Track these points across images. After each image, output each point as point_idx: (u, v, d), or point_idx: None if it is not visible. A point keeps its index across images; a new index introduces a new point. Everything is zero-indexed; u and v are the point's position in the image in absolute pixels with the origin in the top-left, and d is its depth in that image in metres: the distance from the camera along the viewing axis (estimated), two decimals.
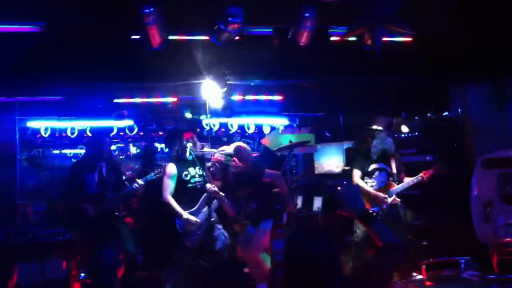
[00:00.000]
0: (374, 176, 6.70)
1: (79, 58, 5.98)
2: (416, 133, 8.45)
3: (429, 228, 7.65)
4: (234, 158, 6.50)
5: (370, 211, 6.10)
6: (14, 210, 7.60)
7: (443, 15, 5.76)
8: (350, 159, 8.73)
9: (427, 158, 7.99)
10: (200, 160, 6.50)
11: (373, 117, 7.43)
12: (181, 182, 6.24)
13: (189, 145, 6.31)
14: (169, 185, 6.21)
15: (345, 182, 7.03)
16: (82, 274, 6.68)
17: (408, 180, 6.73)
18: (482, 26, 6.01)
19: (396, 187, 6.61)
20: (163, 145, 10.52)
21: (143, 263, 7.64)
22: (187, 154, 6.29)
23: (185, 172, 6.28)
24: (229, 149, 6.72)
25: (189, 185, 6.27)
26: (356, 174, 6.74)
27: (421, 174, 6.67)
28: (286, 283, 2.53)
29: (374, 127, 6.83)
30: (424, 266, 6.48)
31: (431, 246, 7.27)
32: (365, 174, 6.74)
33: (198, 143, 6.71)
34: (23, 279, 6.04)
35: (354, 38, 5.89)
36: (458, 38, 6.20)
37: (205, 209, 6.17)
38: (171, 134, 6.78)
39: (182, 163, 6.32)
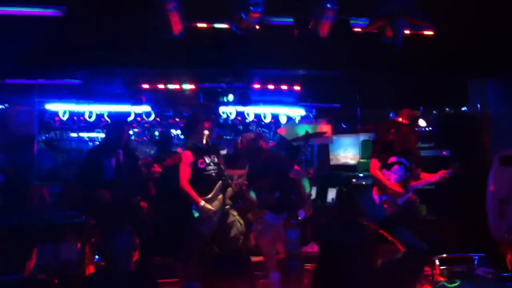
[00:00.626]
0: (392, 169, 6.63)
1: (99, 43, 6.01)
2: (434, 128, 8.40)
3: (443, 223, 7.63)
4: (262, 142, 6.52)
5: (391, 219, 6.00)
6: (30, 191, 7.68)
7: (462, 9, 5.71)
8: (369, 150, 8.70)
9: (444, 153, 7.95)
10: (216, 148, 6.54)
11: (398, 109, 7.35)
12: (196, 170, 6.27)
13: (206, 133, 6.33)
14: (186, 172, 6.22)
15: (363, 181, 7.01)
16: (96, 257, 6.75)
17: (427, 178, 6.66)
18: (503, 20, 5.95)
19: (414, 184, 6.56)
20: (179, 132, 10.58)
21: (157, 248, 7.71)
22: (203, 142, 6.31)
23: (201, 160, 6.30)
24: None
25: (204, 172, 6.29)
26: (375, 165, 6.66)
27: (439, 173, 6.60)
28: (318, 269, 2.57)
29: (399, 119, 6.75)
30: (437, 261, 6.46)
31: (444, 242, 7.24)
32: (384, 166, 6.68)
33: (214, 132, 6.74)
34: (37, 259, 6.09)
35: (375, 31, 5.86)
36: (477, 32, 6.15)
37: (220, 196, 6.21)
38: (189, 122, 6.79)
39: (198, 151, 6.34)
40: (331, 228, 2.65)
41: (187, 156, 6.28)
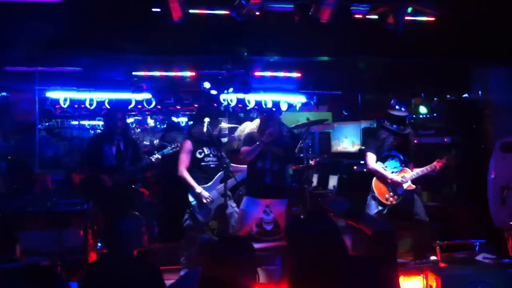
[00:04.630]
0: (386, 162, 6.63)
1: (99, 30, 5.98)
2: (435, 114, 8.36)
3: (444, 210, 7.64)
4: None
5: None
6: (33, 178, 7.70)
7: None
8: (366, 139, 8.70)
9: (445, 140, 7.93)
10: (218, 141, 6.66)
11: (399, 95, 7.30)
12: (195, 159, 6.42)
13: (207, 120, 6.35)
14: (185, 160, 6.40)
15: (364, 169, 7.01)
16: (99, 244, 6.78)
17: (422, 169, 6.65)
18: (507, 7, 5.91)
19: (410, 174, 6.56)
20: (180, 119, 10.60)
21: (158, 234, 7.74)
22: (204, 133, 6.38)
23: (199, 150, 6.43)
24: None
25: (202, 163, 6.42)
26: (371, 158, 6.62)
27: (434, 163, 6.58)
28: (294, 265, 2.57)
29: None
30: (438, 248, 6.47)
31: (445, 228, 7.25)
32: (378, 159, 6.67)
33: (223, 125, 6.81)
34: (40, 247, 6.14)
35: (375, 16, 5.83)
36: (481, 18, 6.11)
37: (220, 186, 6.32)
38: (199, 115, 6.87)
39: (198, 141, 6.45)
40: (302, 221, 2.69)
41: (187, 145, 6.44)
